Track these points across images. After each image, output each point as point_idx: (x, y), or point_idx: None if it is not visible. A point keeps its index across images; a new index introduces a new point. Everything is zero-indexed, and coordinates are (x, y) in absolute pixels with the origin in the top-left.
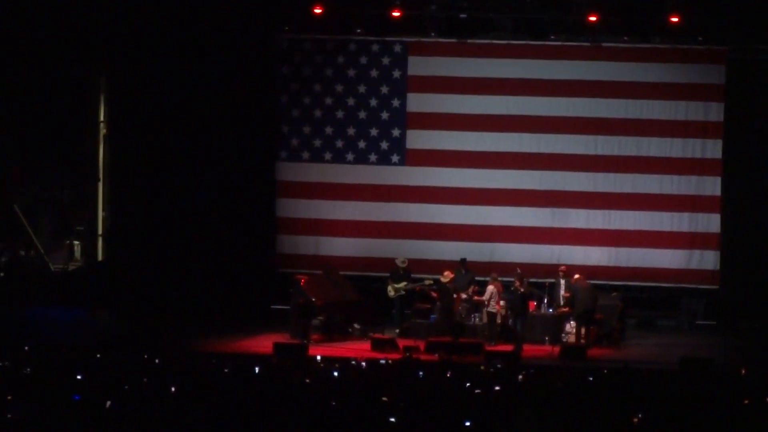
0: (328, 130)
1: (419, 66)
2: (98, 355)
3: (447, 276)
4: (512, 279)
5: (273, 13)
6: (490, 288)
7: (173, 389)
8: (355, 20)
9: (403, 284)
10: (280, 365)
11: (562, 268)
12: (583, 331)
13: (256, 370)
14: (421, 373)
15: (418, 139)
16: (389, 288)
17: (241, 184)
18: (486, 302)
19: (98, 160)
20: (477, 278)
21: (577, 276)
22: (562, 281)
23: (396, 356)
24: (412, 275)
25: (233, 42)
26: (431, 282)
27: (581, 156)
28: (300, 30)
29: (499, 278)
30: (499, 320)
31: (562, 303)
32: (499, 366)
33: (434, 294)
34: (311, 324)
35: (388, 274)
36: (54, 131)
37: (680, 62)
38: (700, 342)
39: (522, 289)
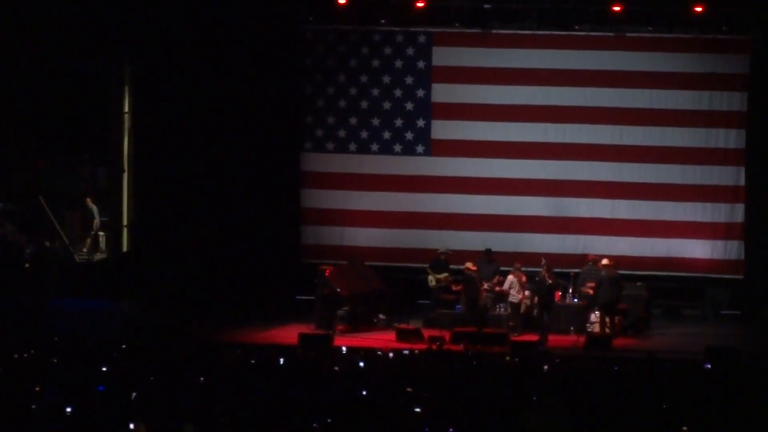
0: (353, 120)
1: (444, 56)
2: (123, 346)
3: (470, 267)
4: (538, 269)
5: (297, 4)
6: (510, 278)
7: (201, 380)
8: (379, 11)
9: (444, 275)
10: (305, 356)
11: (591, 256)
12: (607, 321)
13: (281, 361)
14: (446, 363)
15: (443, 130)
16: (430, 278)
17: (265, 174)
18: (507, 292)
19: (123, 151)
20: (503, 268)
21: (605, 262)
22: (590, 269)
23: (421, 346)
24: (451, 266)
25: (257, 33)
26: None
27: (606, 146)
28: (324, 21)
29: (523, 268)
30: (523, 310)
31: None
32: (517, 359)
33: (454, 287)
34: (336, 314)
35: (426, 265)
36: (78, 123)
37: (704, 52)
38: (725, 331)
39: (550, 280)
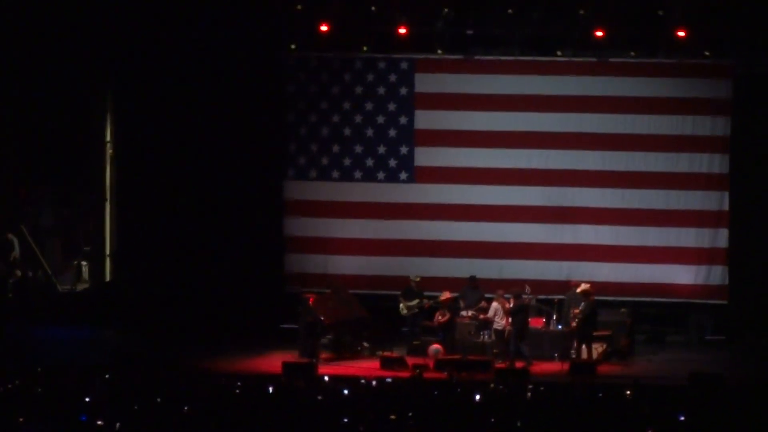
0: (336, 148)
1: (426, 83)
2: (107, 376)
3: (446, 296)
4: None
5: (279, 31)
6: (494, 305)
7: (185, 409)
8: (361, 38)
9: (416, 302)
10: (289, 384)
11: (574, 282)
12: (595, 348)
13: (270, 389)
14: (430, 391)
15: (427, 156)
16: (401, 306)
17: (248, 202)
18: (491, 320)
19: (105, 180)
20: (487, 295)
21: (585, 287)
22: (573, 294)
23: (405, 374)
24: (424, 293)
25: (240, 60)
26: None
27: (589, 171)
28: (306, 48)
29: (506, 295)
30: (506, 336)
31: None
32: (501, 386)
33: (440, 319)
34: (320, 343)
35: (399, 292)
36: (60, 151)
37: (687, 77)
38: (710, 357)
39: (510, 305)
